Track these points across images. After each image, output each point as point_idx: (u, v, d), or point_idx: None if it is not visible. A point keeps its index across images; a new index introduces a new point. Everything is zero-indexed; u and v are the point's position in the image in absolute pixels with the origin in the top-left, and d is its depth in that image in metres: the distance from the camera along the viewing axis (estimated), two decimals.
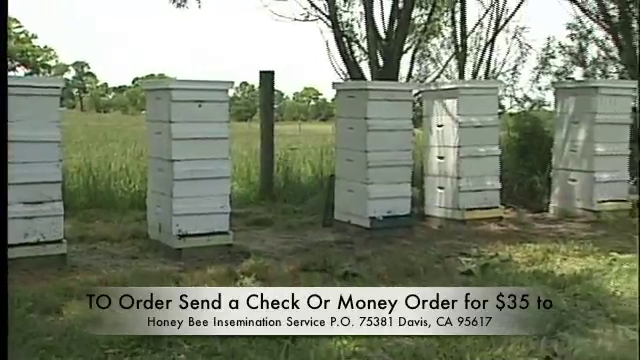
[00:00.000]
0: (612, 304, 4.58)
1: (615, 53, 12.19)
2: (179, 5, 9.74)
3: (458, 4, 11.38)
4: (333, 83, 7.90)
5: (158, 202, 6.33)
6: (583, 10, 12.28)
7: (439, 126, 7.85)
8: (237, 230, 6.67)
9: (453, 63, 11.56)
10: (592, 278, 5.26)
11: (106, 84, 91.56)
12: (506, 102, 12.05)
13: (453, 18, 11.49)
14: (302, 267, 5.60)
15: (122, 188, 8.78)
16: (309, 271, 5.49)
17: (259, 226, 7.51)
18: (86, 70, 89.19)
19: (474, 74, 11.26)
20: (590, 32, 12.55)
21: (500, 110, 10.32)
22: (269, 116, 9.26)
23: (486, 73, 11.32)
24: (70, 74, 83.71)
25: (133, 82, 79.00)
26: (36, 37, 67.53)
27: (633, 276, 5.24)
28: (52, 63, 74.45)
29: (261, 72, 9.13)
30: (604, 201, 8.20)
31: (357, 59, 9.92)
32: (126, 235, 6.76)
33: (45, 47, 71.72)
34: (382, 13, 9.80)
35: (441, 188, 7.83)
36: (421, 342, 3.79)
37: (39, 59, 68.90)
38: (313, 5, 9.81)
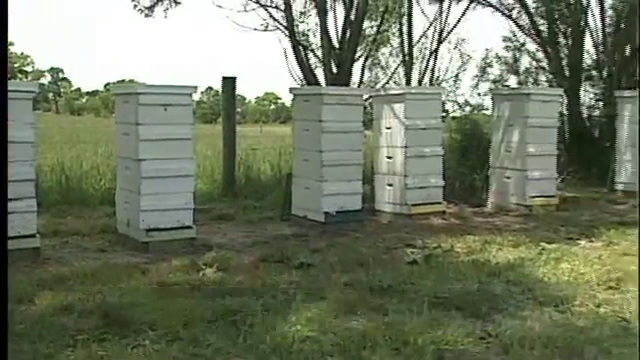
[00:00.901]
0: (540, 289, 4.64)
1: (544, 63, 12.45)
2: (147, 15, 9.63)
3: (405, 17, 11.49)
4: (290, 88, 7.89)
5: (126, 199, 6.25)
6: (517, 25, 12.54)
7: (388, 128, 7.87)
8: (201, 224, 6.62)
9: (401, 70, 11.67)
10: (523, 266, 5.32)
11: (79, 89, 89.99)
12: (449, 106, 12.20)
13: (401, 30, 11.59)
14: (261, 258, 5.59)
15: (93, 186, 8.66)
16: (267, 262, 5.48)
17: (221, 221, 7.46)
18: (61, 76, 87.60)
19: (420, 81, 11.36)
20: (523, 45, 12.83)
21: (443, 114, 10.44)
22: (231, 119, 9.20)
23: (431, 80, 11.43)
24: (46, 79, 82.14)
25: (105, 87, 77.76)
26: (13, 44, 66.07)
27: (559, 263, 5.34)
28: (29, 69, 73.05)
29: (224, 78, 9.06)
30: (535, 196, 8.33)
31: (312, 66, 9.95)
32: (96, 229, 6.66)
33: (22, 54, 70.32)
34: (335, 24, 9.86)
35: (390, 185, 7.86)
36: (369, 325, 3.82)
37: (16, 65, 67.47)
38: (272, 16, 9.80)
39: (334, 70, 9.30)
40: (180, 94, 6.16)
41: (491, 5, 12.26)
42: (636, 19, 11.39)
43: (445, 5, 11.55)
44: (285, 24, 9.57)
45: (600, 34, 12.06)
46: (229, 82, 9.08)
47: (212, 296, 4.35)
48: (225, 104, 9.29)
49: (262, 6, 9.72)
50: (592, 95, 12.45)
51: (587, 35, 12.05)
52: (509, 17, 12.46)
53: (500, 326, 3.85)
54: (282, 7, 9.56)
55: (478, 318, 3.99)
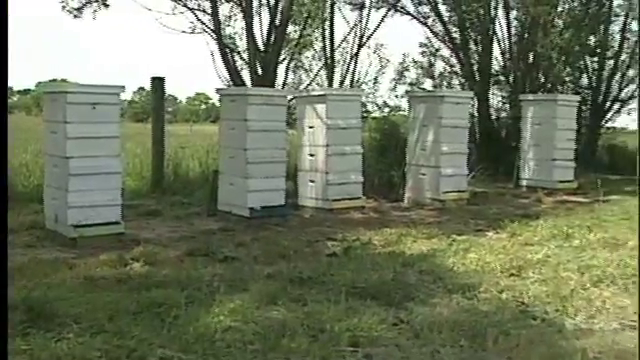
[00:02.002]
0: (449, 277, 4.73)
1: (457, 68, 12.75)
2: (75, 16, 9.33)
3: (327, 23, 11.56)
4: (217, 89, 7.83)
5: (54, 195, 6.06)
6: (432, 32, 12.80)
7: (310, 127, 7.90)
8: (129, 220, 6.48)
9: (323, 73, 11.73)
10: (435, 256, 5.41)
11: (11, 87, 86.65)
12: (369, 107, 12.34)
13: (323, 34, 11.66)
14: (187, 252, 5.51)
15: (22, 183, 8.34)
16: (193, 256, 5.41)
17: (150, 216, 7.31)
18: None
19: (341, 83, 11.45)
20: (438, 50, 13.11)
21: (364, 114, 10.56)
22: (160, 117, 9.03)
23: (351, 82, 11.53)
24: None
25: (37, 86, 75.12)
26: None
27: (467, 253, 5.44)
28: None
29: (153, 78, 8.88)
30: (448, 192, 8.52)
31: (239, 68, 9.86)
32: (24, 226, 6.41)
33: None
34: (261, 28, 9.79)
35: (312, 182, 7.89)
36: (289, 315, 3.82)
37: None
38: (199, 20, 9.67)
39: (259, 72, 9.25)
40: (108, 93, 6.02)
41: (408, 13, 12.48)
42: (537, 30, 11.82)
43: (365, 12, 11.67)
44: (212, 27, 9.45)
45: (507, 43, 12.45)
46: (158, 82, 8.92)
47: (138, 289, 4.26)
48: (154, 103, 9.13)
49: (189, 9, 9.58)
50: (500, 98, 12.87)
51: (495, 43, 12.43)
52: (425, 25, 12.72)
53: (412, 313, 3.91)
54: (209, 11, 9.44)
55: (392, 306, 4.03)
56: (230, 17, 10.26)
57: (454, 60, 12.76)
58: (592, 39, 13.78)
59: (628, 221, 7.14)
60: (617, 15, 14.18)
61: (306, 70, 12.05)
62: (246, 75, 9.64)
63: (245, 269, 4.95)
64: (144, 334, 3.44)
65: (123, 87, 6.17)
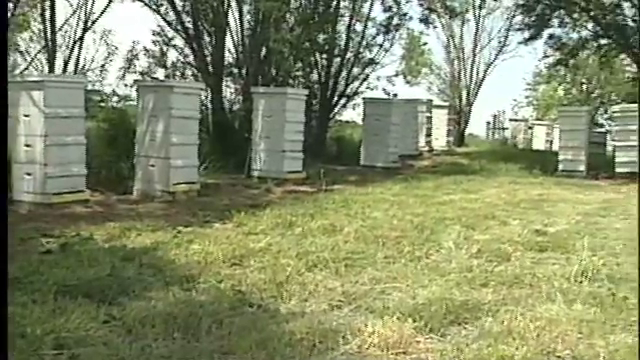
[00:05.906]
0: (169, 270, 4.69)
1: (191, 59, 12.77)
2: None
3: (47, 2, 10.82)
4: None
5: None
6: (165, 21, 12.64)
7: (26, 116, 7.34)
8: None
9: (43, 57, 10.99)
10: (158, 249, 5.34)
11: None
12: (96, 96, 11.84)
13: (43, 15, 10.89)
14: None
15: None
16: None
17: None
18: None
19: (64, 69, 10.81)
20: (171, 40, 12.97)
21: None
22: None
23: (76, 69, 10.96)
24: None
25: None
26: None
27: (191, 245, 5.46)
28: None
29: None
30: (178, 183, 8.49)
31: None
32: None
33: None
34: None
35: (29, 174, 7.34)
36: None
37: None
38: None
39: None
40: None
41: None
42: (269, 25, 12.29)
43: None
44: None
45: (240, 36, 12.75)
46: None
47: None
48: None
49: None
50: (233, 90, 13.14)
51: (229, 36, 12.66)
52: (157, 12, 12.53)
53: (125, 308, 3.80)
54: None
55: (105, 303, 3.88)
56: None
57: (188, 50, 12.75)
58: (321, 37, 14.70)
59: (345, 208, 7.73)
60: (342, 16, 15.30)
61: (22, 53, 11.20)
62: None
63: None
64: None
65: None
